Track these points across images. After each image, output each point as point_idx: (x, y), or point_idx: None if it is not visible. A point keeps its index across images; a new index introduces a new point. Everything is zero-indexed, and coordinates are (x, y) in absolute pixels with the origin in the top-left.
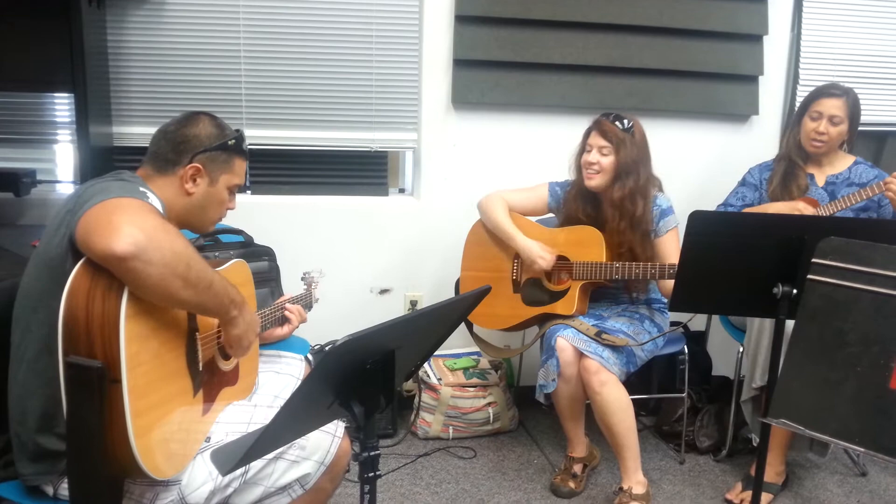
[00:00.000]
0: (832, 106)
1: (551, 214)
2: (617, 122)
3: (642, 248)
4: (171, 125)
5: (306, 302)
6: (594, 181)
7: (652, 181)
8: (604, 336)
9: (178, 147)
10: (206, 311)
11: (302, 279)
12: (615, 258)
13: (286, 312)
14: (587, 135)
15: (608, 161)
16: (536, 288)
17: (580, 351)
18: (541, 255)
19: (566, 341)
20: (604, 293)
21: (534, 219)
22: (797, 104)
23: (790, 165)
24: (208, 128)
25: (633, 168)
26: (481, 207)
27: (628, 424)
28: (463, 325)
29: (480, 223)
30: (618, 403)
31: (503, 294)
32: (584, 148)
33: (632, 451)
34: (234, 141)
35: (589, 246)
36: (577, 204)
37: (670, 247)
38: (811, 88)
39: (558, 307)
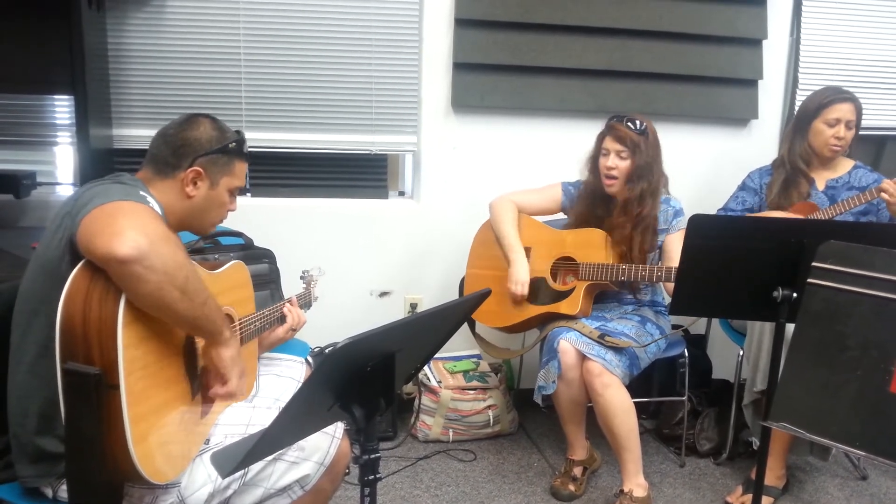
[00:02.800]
0: (847, 110)
1: (560, 215)
2: (630, 124)
3: (640, 246)
4: (170, 128)
5: (305, 301)
6: (615, 187)
7: (664, 180)
8: (607, 339)
9: (178, 150)
10: (199, 329)
11: (301, 278)
12: (615, 255)
13: (284, 310)
14: (601, 138)
15: (625, 165)
16: (541, 288)
17: (583, 354)
18: (522, 283)
19: (569, 344)
20: (607, 295)
21: (542, 219)
22: (796, 108)
23: (793, 172)
24: (209, 131)
25: (647, 170)
26: (492, 210)
27: (630, 427)
28: (465, 327)
29: (488, 224)
30: (620, 406)
31: (508, 292)
32: (599, 151)
33: (633, 453)
34: (234, 144)
35: (595, 248)
36: (589, 204)
37: (678, 244)
38: (810, 93)
39: (562, 307)
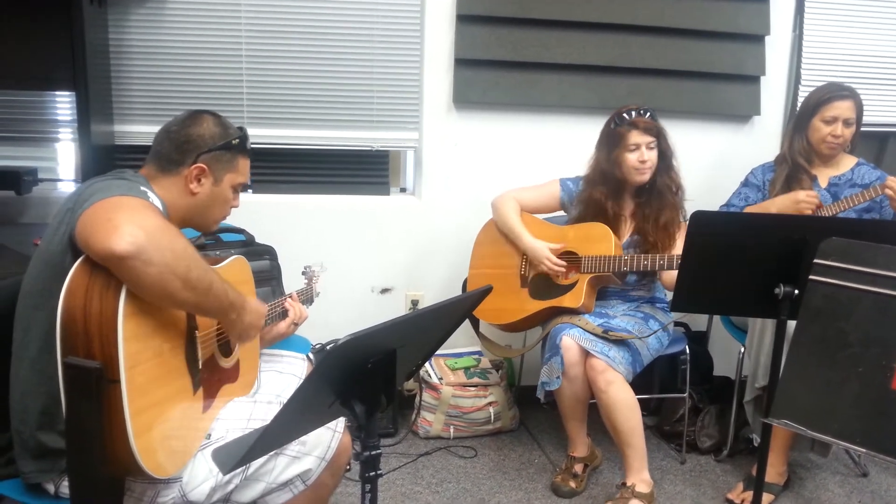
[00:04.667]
0: (845, 108)
1: (562, 212)
2: (646, 115)
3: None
4: (174, 124)
5: (307, 296)
6: (647, 176)
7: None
8: (610, 333)
9: (182, 147)
10: (206, 313)
11: (303, 273)
12: (662, 250)
13: (286, 304)
14: (623, 135)
15: (655, 154)
16: (544, 283)
17: (586, 350)
18: (547, 255)
19: (572, 340)
20: (609, 292)
21: (543, 216)
22: (799, 104)
23: (794, 169)
24: (212, 127)
25: (671, 154)
26: (494, 208)
27: (634, 424)
28: (466, 324)
29: (491, 223)
30: (623, 403)
31: (511, 289)
32: (623, 148)
33: (637, 450)
34: (238, 140)
35: (598, 241)
36: (599, 200)
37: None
38: (813, 89)
39: (565, 300)
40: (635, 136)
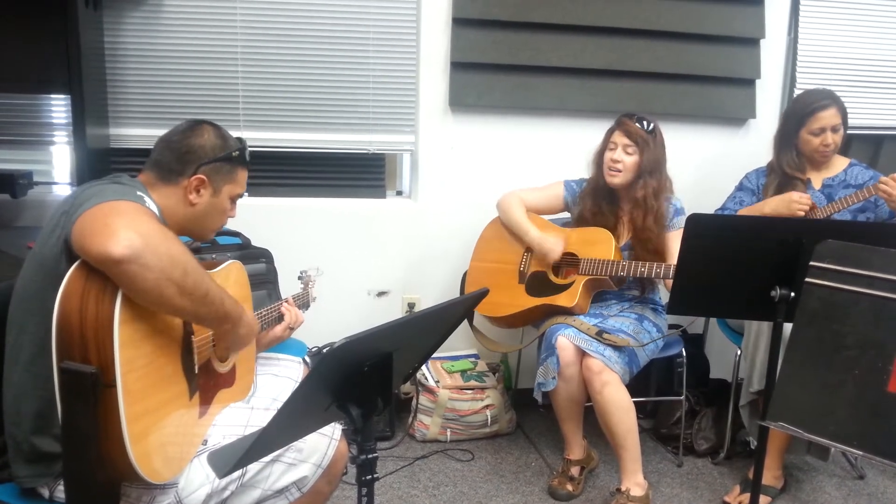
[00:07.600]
0: (831, 116)
1: (566, 214)
2: (640, 123)
3: (657, 240)
4: (174, 134)
5: (303, 301)
6: (617, 179)
7: (669, 182)
8: (605, 336)
9: (182, 157)
10: (200, 321)
11: (299, 278)
12: (644, 256)
13: (282, 309)
14: (610, 133)
15: (632, 160)
16: (541, 280)
17: (582, 350)
18: (552, 246)
19: (567, 340)
20: (605, 293)
21: (547, 218)
22: None
23: (785, 178)
24: (212, 138)
25: (656, 168)
26: (499, 205)
27: (629, 425)
28: (463, 326)
29: (497, 220)
30: (619, 404)
31: (508, 283)
32: (606, 146)
33: (631, 452)
34: (238, 152)
35: (598, 244)
36: (592, 200)
37: (677, 242)
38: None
39: (560, 299)
40: (615, 136)
